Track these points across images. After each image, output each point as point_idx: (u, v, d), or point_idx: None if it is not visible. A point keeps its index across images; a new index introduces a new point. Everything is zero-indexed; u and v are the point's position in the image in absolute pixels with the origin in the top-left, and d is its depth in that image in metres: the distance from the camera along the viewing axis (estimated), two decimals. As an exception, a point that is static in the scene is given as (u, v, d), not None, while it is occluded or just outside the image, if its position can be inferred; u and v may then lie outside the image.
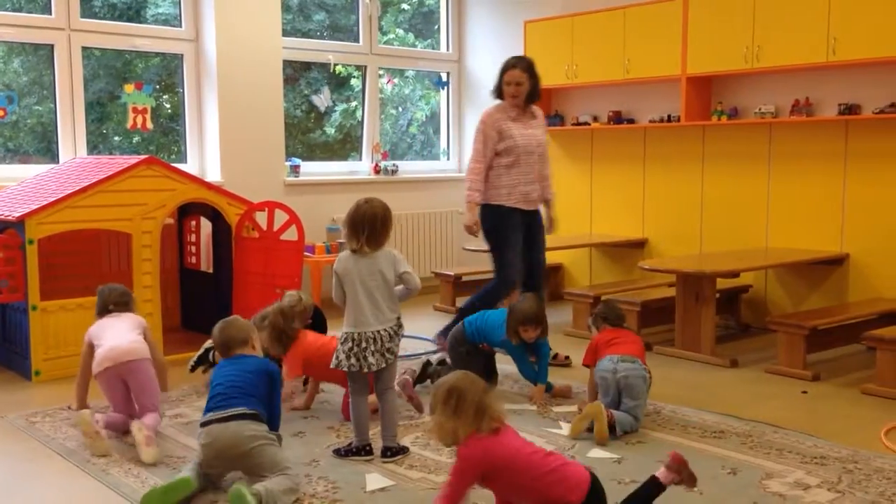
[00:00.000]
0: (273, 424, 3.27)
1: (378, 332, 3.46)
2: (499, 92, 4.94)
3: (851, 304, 5.46)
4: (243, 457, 3.09)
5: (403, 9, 8.09)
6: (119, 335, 3.90)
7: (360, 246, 3.48)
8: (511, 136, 4.85)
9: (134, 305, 4.27)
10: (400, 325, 3.56)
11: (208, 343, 4.43)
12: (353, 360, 3.45)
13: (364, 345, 3.45)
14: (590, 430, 3.71)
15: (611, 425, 3.69)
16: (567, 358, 5.07)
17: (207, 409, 3.20)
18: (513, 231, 4.91)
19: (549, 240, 7.17)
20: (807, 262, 5.60)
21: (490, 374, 4.50)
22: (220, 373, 3.32)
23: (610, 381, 3.84)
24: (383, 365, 3.48)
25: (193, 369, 4.52)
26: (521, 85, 4.83)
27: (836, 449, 3.60)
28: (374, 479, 3.28)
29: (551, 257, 7.27)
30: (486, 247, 6.82)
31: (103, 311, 4.15)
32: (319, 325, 4.65)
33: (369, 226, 3.46)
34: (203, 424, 3.17)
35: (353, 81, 7.62)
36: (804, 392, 4.52)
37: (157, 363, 4.00)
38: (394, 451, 3.49)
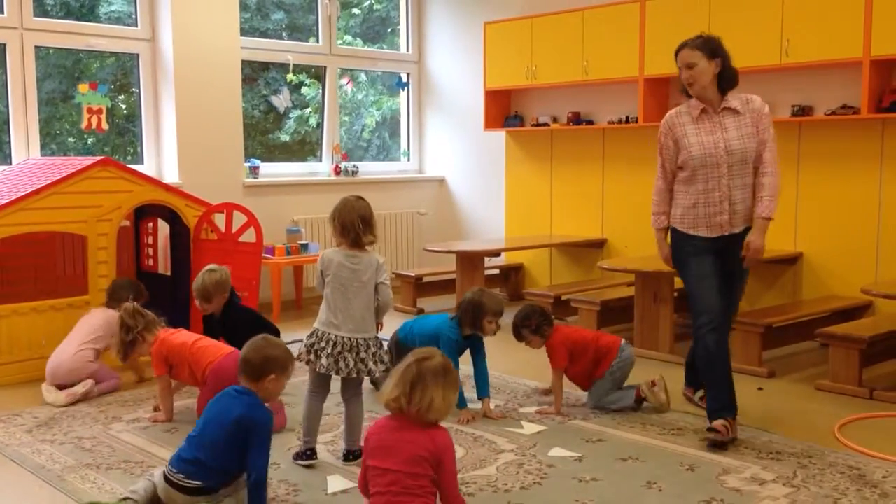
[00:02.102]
0: (253, 477, 2.90)
1: (341, 337, 3.37)
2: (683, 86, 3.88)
3: (805, 302, 5.57)
4: None
5: (354, 13, 8.04)
6: (67, 346, 4.48)
7: (354, 242, 3.37)
8: (687, 144, 3.81)
9: (116, 300, 4.68)
10: (377, 345, 3.44)
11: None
12: (311, 356, 3.40)
13: (323, 345, 3.38)
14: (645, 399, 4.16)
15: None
16: None
17: (187, 441, 3.03)
18: (693, 256, 3.86)
19: (509, 239, 7.28)
20: (761, 261, 5.68)
21: None
22: (210, 407, 3.07)
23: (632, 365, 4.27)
24: (333, 372, 3.38)
25: None
26: (694, 68, 3.73)
27: (791, 444, 3.67)
28: (336, 482, 3.27)
29: (512, 258, 7.34)
30: (444, 248, 6.79)
31: None
32: (243, 325, 4.26)
33: (362, 222, 3.35)
34: (171, 463, 3.01)
35: (305, 90, 7.55)
36: (760, 388, 4.59)
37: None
38: (355, 455, 3.48)
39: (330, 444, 3.71)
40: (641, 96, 6.17)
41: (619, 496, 3.14)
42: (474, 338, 4.21)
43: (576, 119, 6.83)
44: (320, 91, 7.59)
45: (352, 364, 3.36)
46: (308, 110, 7.59)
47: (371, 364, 3.38)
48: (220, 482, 3.02)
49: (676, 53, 3.83)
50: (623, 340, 4.25)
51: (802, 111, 5.59)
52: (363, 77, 8.04)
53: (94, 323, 4.59)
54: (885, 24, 5.03)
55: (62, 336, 4.64)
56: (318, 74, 7.59)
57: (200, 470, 2.96)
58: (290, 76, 7.30)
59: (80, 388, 4.35)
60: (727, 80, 3.81)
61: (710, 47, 3.76)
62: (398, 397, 2.60)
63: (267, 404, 3.08)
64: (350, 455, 3.49)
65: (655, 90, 6.23)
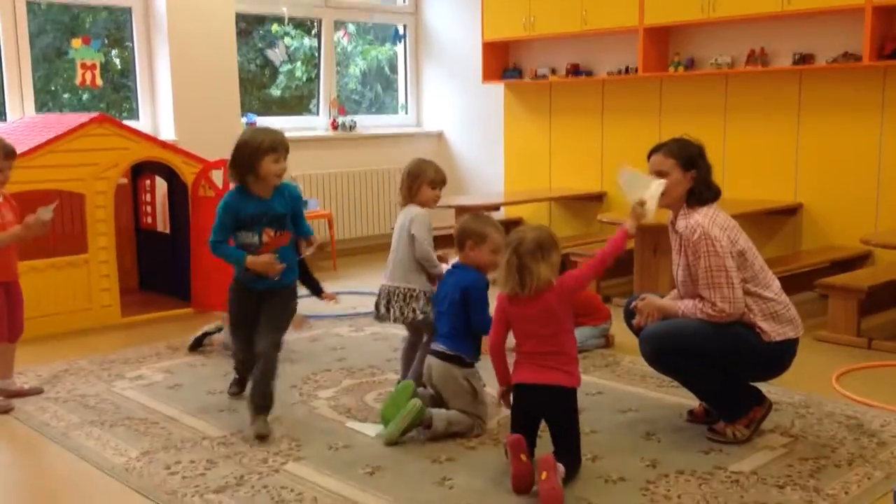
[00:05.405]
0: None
1: (384, 286, 3.64)
2: None
3: (804, 253, 5.57)
4: (442, 391, 3.32)
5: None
6: None
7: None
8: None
9: None
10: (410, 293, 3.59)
11: (207, 327, 4.61)
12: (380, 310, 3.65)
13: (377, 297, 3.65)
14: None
15: None
16: None
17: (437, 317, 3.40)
18: None
19: (508, 193, 7.26)
20: (761, 212, 5.68)
21: None
22: (441, 287, 3.42)
23: None
24: (388, 320, 3.63)
25: (192, 349, 4.53)
26: (666, 178, 3.22)
27: (789, 394, 3.69)
28: (369, 427, 3.38)
29: (511, 212, 7.33)
30: (442, 203, 6.78)
31: None
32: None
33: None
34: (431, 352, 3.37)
35: (288, 40, 7.42)
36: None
37: None
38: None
39: (332, 399, 3.74)
40: (641, 46, 6.09)
41: (619, 448, 3.17)
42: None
43: (575, 71, 6.76)
44: (306, 43, 7.47)
45: (397, 311, 3.55)
46: (298, 63, 7.49)
47: (411, 312, 3.55)
48: (470, 351, 3.31)
49: (648, 156, 3.31)
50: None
51: (803, 59, 5.53)
52: (351, 28, 7.91)
53: None
54: (888, -31, 4.95)
55: (63, 294, 4.63)
56: (307, 27, 7.47)
57: (448, 330, 3.30)
58: (275, 27, 7.18)
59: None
60: (698, 196, 3.21)
61: (687, 155, 3.22)
62: (513, 288, 2.89)
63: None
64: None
65: (656, 40, 6.15)
